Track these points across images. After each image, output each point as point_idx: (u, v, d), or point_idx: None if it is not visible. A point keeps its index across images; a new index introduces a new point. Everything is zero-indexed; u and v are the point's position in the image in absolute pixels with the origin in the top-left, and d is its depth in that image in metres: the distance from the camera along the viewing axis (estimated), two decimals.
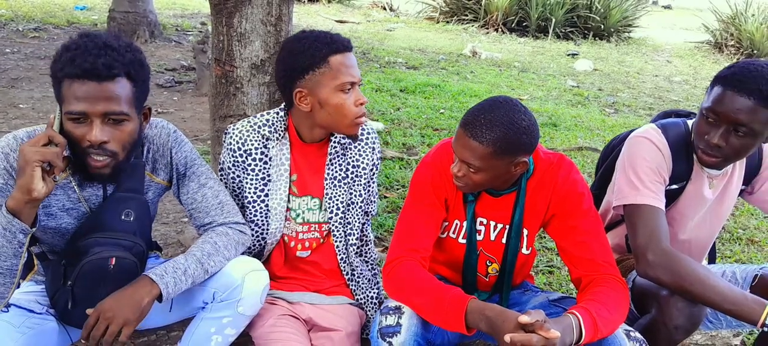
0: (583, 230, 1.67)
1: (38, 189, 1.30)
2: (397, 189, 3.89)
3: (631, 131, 1.88)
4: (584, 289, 1.64)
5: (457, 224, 1.77)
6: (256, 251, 1.84)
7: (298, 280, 1.88)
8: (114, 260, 1.51)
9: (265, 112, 1.82)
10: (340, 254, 1.88)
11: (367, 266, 1.96)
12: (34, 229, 1.38)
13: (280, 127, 1.78)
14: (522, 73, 8.52)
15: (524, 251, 1.77)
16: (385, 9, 15.46)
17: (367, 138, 1.87)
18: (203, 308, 1.66)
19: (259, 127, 1.78)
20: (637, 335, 1.56)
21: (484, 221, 1.76)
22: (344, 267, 1.89)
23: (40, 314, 1.53)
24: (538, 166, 1.70)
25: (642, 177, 1.72)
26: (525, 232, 1.75)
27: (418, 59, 8.87)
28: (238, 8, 2.13)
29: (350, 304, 1.89)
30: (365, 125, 1.85)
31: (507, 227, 1.76)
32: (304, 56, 1.66)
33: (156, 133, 1.69)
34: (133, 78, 1.44)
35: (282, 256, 1.87)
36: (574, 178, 1.70)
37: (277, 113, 1.79)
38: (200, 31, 9.38)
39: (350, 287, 1.91)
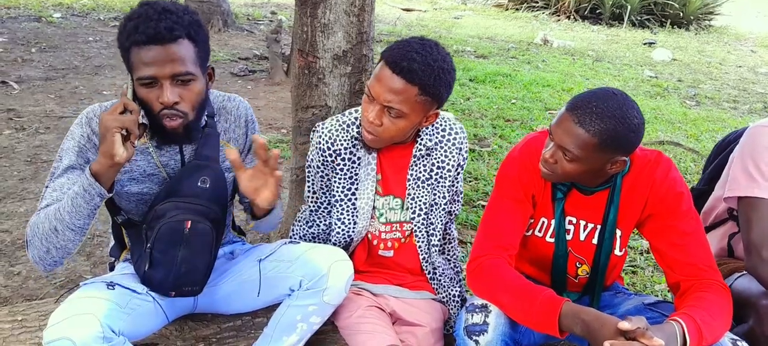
0: (682, 232, 1.58)
1: (119, 154, 1.36)
2: (470, 182, 3.84)
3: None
4: (684, 294, 1.55)
5: (543, 222, 1.72)
6: (341, 248, 1.84)
7: (380, 274, 1.87)
8: (189, 223, 1.56)
9: (353, 110, 1.81)
10: (422, 254, 1.86)
11: (450, 263, 1.93)
12: (110, 194, 1.45)
13: None
14: (596, 63, 8.25)
15: (617, 252, 1.70)
16: None
17: (454, 138, 1.82)
18: (289, 295, 1.69)
19: (349, 126, 1.77)
20: (744, 344, 1.47)
21: (573, 220, 1.70)
22: (426, 266, 1.87)
23: (141, 294, 1.59)
24: (634, 164, 1.62)
25: (763, 169, 1.61)
26: (618, 232, 1.68)
27: (488, 48, 8.73)
28: None
29: (433, 299, 1.86)
30: (454, 124, 1.82)
31: (598, 227, 1.69)
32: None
33: (234, 106, 1.77)
34: (194, 39, 1.50)
35: (365, 253, 1.87)
36: (673, 176, 1.61)
37: None
38: (271, 21, 9.54)
39: (432, 284, 1.89)
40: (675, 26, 12.20)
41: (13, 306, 1.93)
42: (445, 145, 1.80)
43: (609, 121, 1.43)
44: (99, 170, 1.40)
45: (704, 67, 8.73)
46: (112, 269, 1.78)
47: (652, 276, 2.88)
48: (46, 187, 1.53)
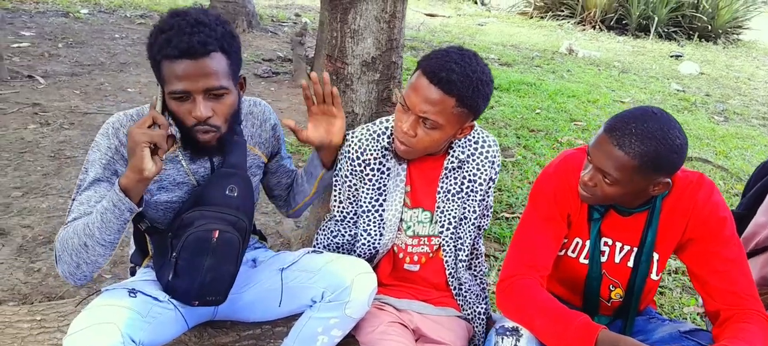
0: (724, 259, 1.51)
1: (149, 168, 1.34)
2: (493, 193, 3.77)
3: None
4: (724, 324, 1.48)
5: (578, 242, 1.65)
6: (366, 260, 1.79)
7: (404, 288, 1.82)
8: (217, 232, 1.53)
9: (384, 119, 1.76)
10: (448, 269, 1.80)
11: (476, 279, 1.87)
12: (139, 208, 1.42)
13: None
14: (622, 74, 8.14)
15: (654, 276, 1.63)
16: (476, 3, 15.23)
17: (487, 151, 1.76)
18: (310, 306, 1.65)
19: (379, 136, 1.72)
20: None
21: (609, 242, 1.64)
22: (452, 282, 1.82)
23: (163, 302, 1.56)
24: (675, 185, 1.56)
25: None
26: (656, 256, 1.61)
27: (512, 56, 8.65)
28: (354, 4, 2.09)
29: (458, 316, 1.81)
30: (487, 137, 1.76)
31: (634, 249, 1.62)
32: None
33: (259, 110, 1.76)
34: (226, 51, 1.46)
35: (390, 265, 1.82)
36: (716, 200, 1.54)
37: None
38: (295, 23, 9.55)
39: (458, 301, 1.83)
40: (702, 39, 12.01)
41: (33, 306, 1.91)
42: (478, 158, 1.75)
43: (649, 143, 1.37)
44: (128, 185, 1.37)
45: (732, 82, 8.57)
46: (133, 274, 1.75)
47: (680, 298, 2.79)
48: (73, 200, 1.51)
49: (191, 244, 1.52)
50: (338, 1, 2.11)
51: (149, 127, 1.36)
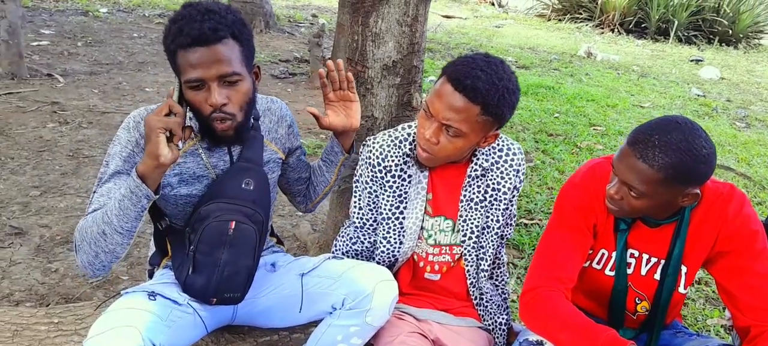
0: (755, 273, 1.47)
1: (164, 154, 1.34)
2: None
3: None
4: (754, 341, 1.44)
5: (603, 253, 1.61)
6: (385, 267, 1.77)
7: (425, 297, 1.79)
8: (234, 223, 1.54)
9: (405, 125, 1.73)
10: (469, 279, 1.77)
11: (498, 290, 1.84)
12: (157, 196, 1.43)
13: None
14: (642, 79, 8.04)
15: (681, 290, 1.59)
16: (493, 4, 15.17)
17: (512, 159, 1.72)
18: (330, 313, 1.63)
19: (401, 142, 1.69)
20: None
21: (636, 253, 1.60)
22: (473, 292, 1.78)
23: (182, 305, 1.55)
24: (705, 196, 1.51)
25: None
26: (683, 269, 1.57)
27: (529, 58, 8.59)
28: (376, 7, 2.07)
29: (479, 327, 1.78)
30: (511, 145, 1.73)
31: (662, 261, 1.58)
32: None
33: (276, 107, 1.79)
34: (238, 38, 1.48)
35: (410, 274, 1.79)
36: (747, 212, 1.50)
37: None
38: (311, 23, 9.56)
39: (478, 311, 1.80)
40: (723, 43, 11.85)
41: (50, 308, 1.91)
42: (502, 166, 1.71)
43: (674, 154, 1.33)
44: (145, 171, 1.38)
45: (754, 87, 8.44)
46: (151, 276, 1.74)
47: (703, 309, 2.73)
48: (94, 192, 1.52)
49: (208, 235, 1.53)
50: (360, 4, 2.09)
51: (166, 115, 1.37)
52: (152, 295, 1.50)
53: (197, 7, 1.45)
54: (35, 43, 6.42)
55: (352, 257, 1.82)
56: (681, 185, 1.38)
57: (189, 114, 1.51)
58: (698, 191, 1.41)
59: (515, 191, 1.73)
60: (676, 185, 1.37)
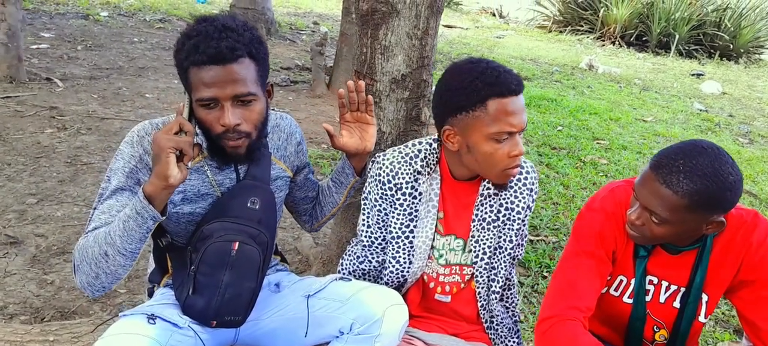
0: None
1: (174, 175, 1.29)
2: None
3: None
4: None
5: (622, 280, 1.56)
6: (394, 288, 1.71)
7: (434, 321, 1.73)
8: (237, 244, 1.48)
9: (416, 142, 1.67)
10: (480, 300, 1.71)
11: (508, 312, 1.78)
12: (163, 217, 1.37)
13: (433, 160, 1.62)
14: (644, 92, 8.02)
15: (701, 319, 1.53)
16: (494, 15, 15.17)
17: (526, 178, 1.66)
18: (337, 337, 1.57)
19: (411, 159, 1.63)
20: None
21: (655, 280, 1.54)
22: (484, 315, 1.72)
23: (182, 328, 1.49)
24: (728, 223, 1.46)
25: None
26: (705, 298, 1.51)
27: (531, 70, 8.56)
28: (386, 20, 2.02)
29: None
30: (525, 163, 1.67)
31: (681, 289, 1.53)
32: (460, 94, 1.47)
33: (286, 124, 1.73)
34: (255, 57, 1.42)
35: (419, 295, 1.73)
36: None
37: (430, 144, 1.64)
38: (313, 31, 9.52)
39: (489, 335, 1.74)
40: (723, 58, 11.86)
41: (46, 324, 1.85)
42: (516, 185, 1.65)
43: (699, 181, 1.28)
44: (152, 192, 1.32)
45: (755, 102, 8.42)
46: (151, 295, 1.68)
47: (713, 331, 2.68)
48: (94, 209, 1.45)
49: (210, 256, 1.47)
50: (369, 16, 2.04)
51: (176, 133, 1.31)
52: (152, 318, 1.44)
53: (214, 24, 1.39)
54: (34, 47, 6.36)
55: (360, 277, 1.76)
56: (706, 212, 1.32)
57: (196, 129, 1.45)
58: (723, 219, 1.36)
59: (528, 211, 1.68)
60: (700, 212, 1.32)
